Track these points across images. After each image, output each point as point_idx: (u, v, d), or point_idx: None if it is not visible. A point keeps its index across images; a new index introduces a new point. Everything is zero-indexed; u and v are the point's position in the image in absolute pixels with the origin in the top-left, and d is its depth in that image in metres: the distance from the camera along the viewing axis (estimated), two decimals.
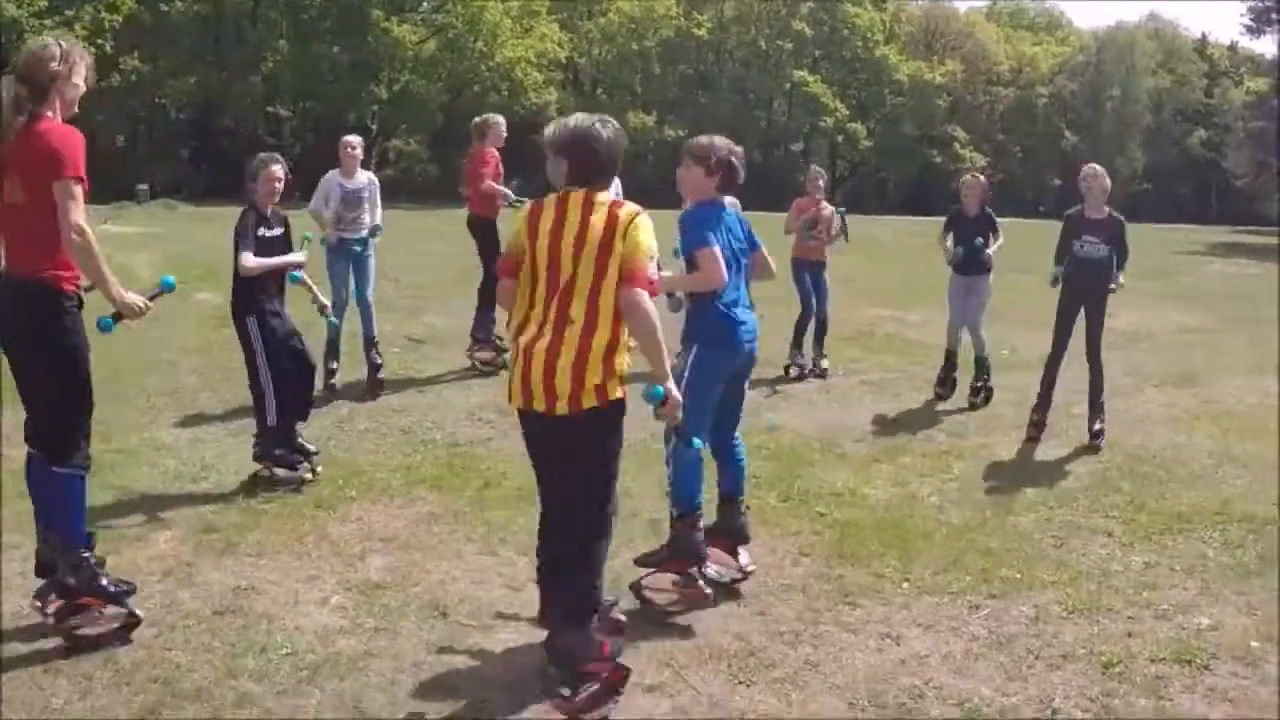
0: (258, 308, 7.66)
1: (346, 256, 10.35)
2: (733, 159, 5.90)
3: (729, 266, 5.73)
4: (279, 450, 7.68)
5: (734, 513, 6.18)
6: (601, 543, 4.84)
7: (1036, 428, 9.67)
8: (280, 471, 7.64)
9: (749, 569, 6.15)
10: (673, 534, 5.94)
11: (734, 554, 6.17)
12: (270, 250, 7.71)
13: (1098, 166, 9.68)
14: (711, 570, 5.98)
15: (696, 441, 5.52)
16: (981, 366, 10.94)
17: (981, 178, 11.35)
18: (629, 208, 4.73)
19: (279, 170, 7.76)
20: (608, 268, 4.61)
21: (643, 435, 8.68)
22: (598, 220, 4.64)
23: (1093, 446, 9.28)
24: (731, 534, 6.17)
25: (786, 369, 11.84)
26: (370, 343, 10.54)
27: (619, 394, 4.68)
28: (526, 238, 4.70)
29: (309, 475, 7.71)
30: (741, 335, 5.86)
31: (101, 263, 5.00)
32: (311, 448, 7.93)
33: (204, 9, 54.31)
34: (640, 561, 5.97)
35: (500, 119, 11.53)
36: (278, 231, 7.81)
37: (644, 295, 4.58)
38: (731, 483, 6.19)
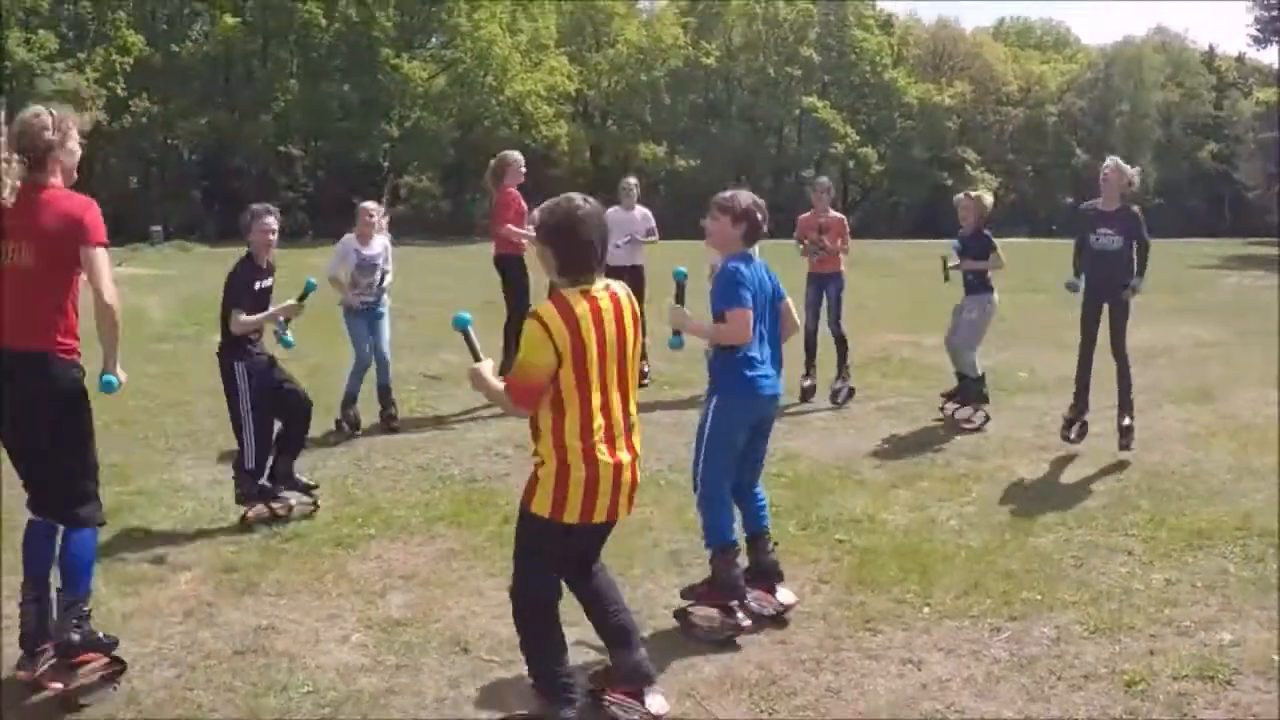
0: (245, 354, 7.75)
1: (364, 318, 10.53)
2: (755, 210, 6.03)
3: (759, 319, 5.92)
4: (256, 489, 7.73)
5: (763, 550, 6.26)
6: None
7: (1068, 425, 9.65)
8: (263, 508, 7.71)
9: (789, 603, 6.18)
10: (712, 570, 6.04)
11: (772, 591, 6.22)
12: (263, 302, 7.82)
13: (1118, 159, 9.65)
14: (753, 604, 6.07)
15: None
16: (961, 383, 10.95)
17: (982, 195, 11.26)
18: (628, 296, 4.74)
19: (272, 221, 7.82)
20: (637, 363, 4.78)
21: (660, 467, 8.74)
22: (629, 320, 4.66)
23: (1122, 446, 9.29)
24: (765, 572, 6.24)
25: (805, 394, 11.93)
26: (385, 391, 10.74)
27: None
28: (569, 346, 4.45)
29: (294, 504, 7.80)
30: (763, 387, 5.98)
31: (118, 330, 5.07)
32: (310, 482, 8.03)
33: (213, 50, 54.79)
34: (685, 593, 6.11)
35: (517, 156, 11.61)
36: (269, 282, 7.91)
37: None
38: (756, 523, 6.28)
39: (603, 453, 4.55)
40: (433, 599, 6.30)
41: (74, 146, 5.18)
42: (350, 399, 10.54)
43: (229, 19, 53.89)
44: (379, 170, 56.85)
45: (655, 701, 4.82)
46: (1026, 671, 5.41)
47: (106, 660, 5.28)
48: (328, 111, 55.47)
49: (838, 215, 12.12)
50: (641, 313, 4.93)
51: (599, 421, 4.55)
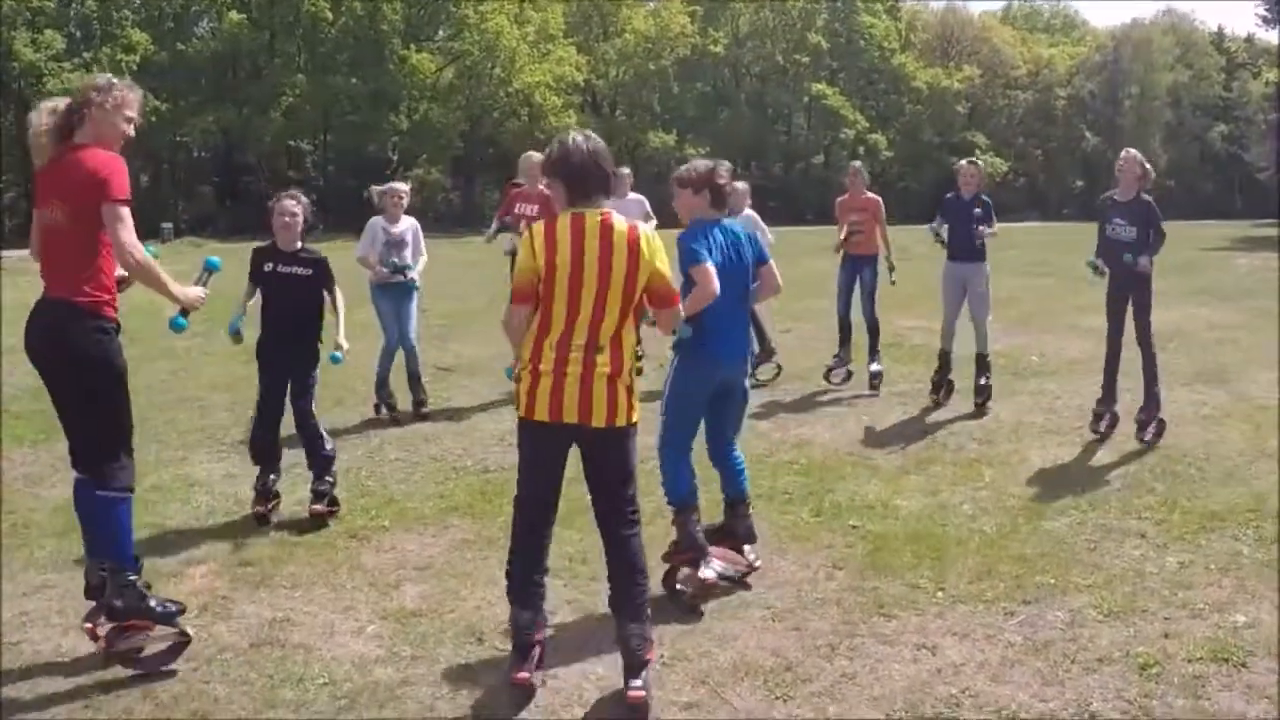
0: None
1: (391, 298, 10.63)
2: (713, 175, 6.12)
3: (727, 281, 5.95)
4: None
5: (739, 515, 6.47)
6: (638, 530, 5.15)
7: (1097, 419, 9.66)
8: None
9: (755, 564, 6.42)
10: (675, 529, 6.25)
11: (740, 552, 6.43)
12: (279, 286, 7.61)
13: (1134, 151, 9.65)
14: (717, 565, 6.23)
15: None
16: (982, 364, 10.93)
17: (980, 163, 11.38)
18: (643, 230, 4.89)
19: (289, 204, 7.63)
20: (634, 297, 4.88)
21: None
22: (620, 247, 4.81)
23: (1140, 439, 9.29)
24: (737, 535, 6.46)
25: (828, 373, 11.94)
26: (415, 379, 10.88)
27: (637, 415, 5.05)
28: (542, 261, 4.78)
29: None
30: (720, 351, 6.09)
31: (159, 273, 5.14)
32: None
33: (220, 46, 54.91)
34: (664, 558, 6.25)
35: (533, 156, 11.59)
36: (290, 270, 7.61)
37: (677, 307, 5.13)
38: (734, 488, 6.48)
39: (547, 359, 4.85)
40: (447, 590, 6.31)
41: (119, 118, 5.25)
42: (381, 382, 10.76)
43: (234, 15, 54.09)
44: (388, 163, 56.95)
45: (635, 682, 4.92)
46: (1041, 655, 5.40)
47: (175, 631, 5.37)
48: (336, 105, 55.60)
49: (874, 196, 12.09)
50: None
51: (556, 331, 4.84)
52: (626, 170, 13.06)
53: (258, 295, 7.70)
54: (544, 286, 4.80)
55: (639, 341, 5.74)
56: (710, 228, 6.07)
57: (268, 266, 7.63)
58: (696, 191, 6.10)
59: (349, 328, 7.95)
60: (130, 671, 5.25)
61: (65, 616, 5.76)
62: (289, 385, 7.62)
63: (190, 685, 5.16)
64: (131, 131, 5.35)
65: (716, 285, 5.79)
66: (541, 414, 4.88)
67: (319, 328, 7.72)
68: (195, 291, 5.46)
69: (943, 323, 11.13)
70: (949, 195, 11.14)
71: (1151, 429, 9.38)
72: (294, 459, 7.94)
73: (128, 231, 5.01)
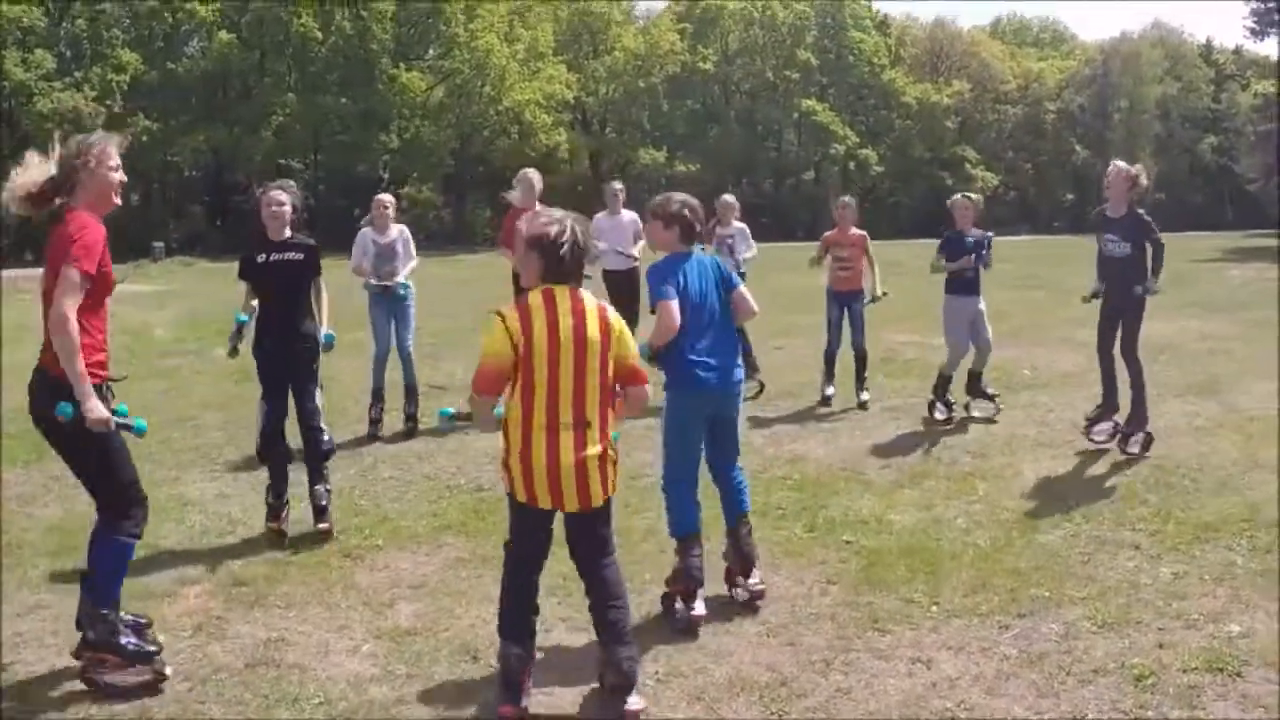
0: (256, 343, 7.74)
1: (385, 306, 10.69)
2: (685, 211, 6.24)
3: (698, 312, 6.09)
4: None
5: (741, 538, 6.42)
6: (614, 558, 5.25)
7: (1090, 422, 9.72)
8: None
9: (759, 588, 6.35)
10: (676, 557, 6.27)
11: (747, 575, 6.38)
12: (271, 275, 7.66)
13: (1119, 164, 9.61)
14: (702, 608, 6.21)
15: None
16: (980, 380, 11.07)
17: (973, 197, 11.40)
18: (613, 313, 5.06)
19: (276, 195, 7.71)
20: (607, 370, 4.94)
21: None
22: (593, 324, 4.90)
23: (1125, 451, 9.31)
24: (741, 557, 6.40)
25: (826, 400, 11.93)
26: (409, 390, 10.89)
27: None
28: (520, 341, 4.82)
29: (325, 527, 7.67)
30: (707, 379, 6.11)
31: (78, 360, 5.01)
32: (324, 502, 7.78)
33: (210, 66, 54.89)
34: (666, 582, 6.29)
35: (530, 174, 11.56)
36: (282, 257, 7.67)
37: (645, 388, 5.16)
38: (733, 508, 6.45)
39: (538, 443, 4.86)
40: (442, 608, 6.31)
41: (105, 171, 5.27)
42: (376, 394, 10.81)
43: (224, 35, 54.10)
44: (379, 182, 56.96)
45: (632, 699, 4.98)
46: (1036, 668, 5.41)
47: (149, 669, 5.39)
48: (326, 124, 55.66)
49: (861, 232, 12.07)
50: (636, 314, 5.08)
51: (540, 416, 4.85)
52: (619, 185, 13.03)
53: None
54: (523, 365, 4.83)
55: None
56: (680, 261, 6.16)
57: (260, 258, 7.69)
58: (666, 226, 6.23)
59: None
60: (121, 691, 5.27)
61: (59, 637, 5.75)
62: (291, 383, 7.71)
63: (186, 706, 5.16)
64: (122, 176, 5.37)
65: (676, 320, 5.94)
66: (544, 503, 4.94)
67: (315, 314, 7.83)
68: (102, 413, 5.08)
69: (952, 355, 11.04)
70: (949, 234, 11.03)
71: (1137, 440, 9.39)
72: (302, 475, 7.92)
73: (69, 298, 4.98)
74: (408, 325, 10.79)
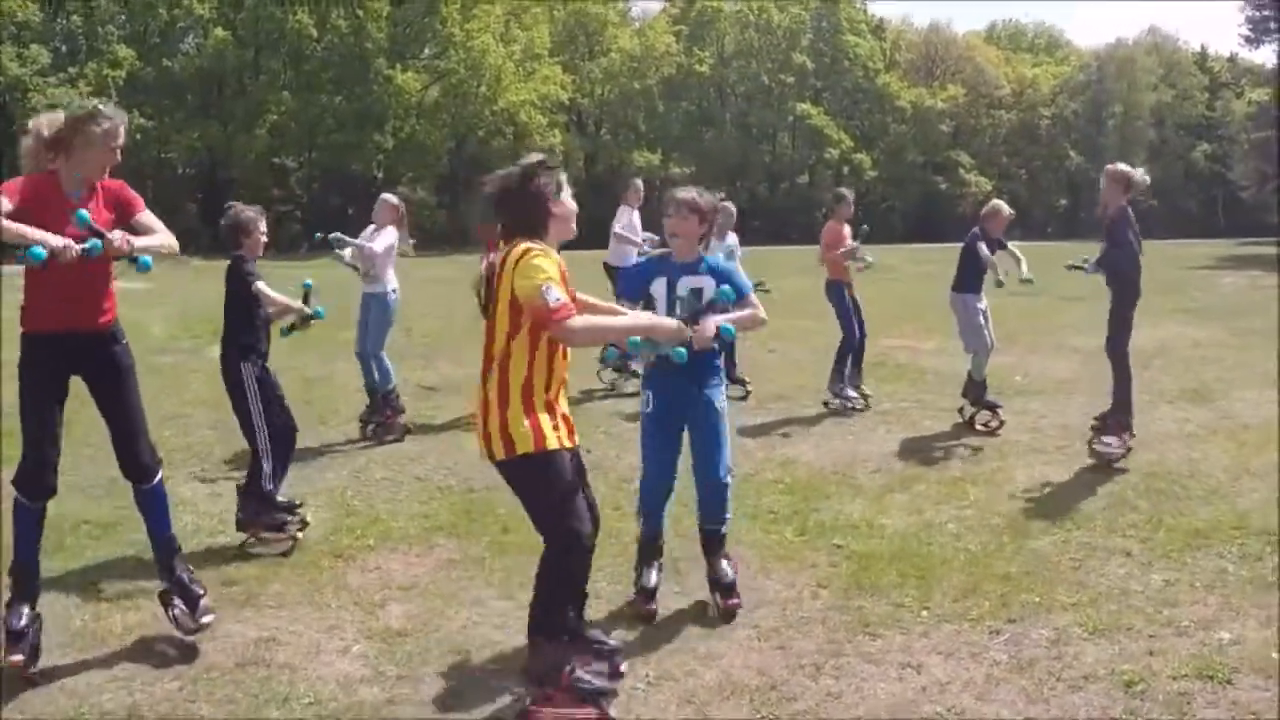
0: (254, 354, 7.63)
1: (361, 308, 10.74)
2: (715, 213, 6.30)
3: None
4: (262, 514, 7.43)
5: (714, 556, 6.36)
6: (552, 574, 4.96)
7: (1101, 420, 9.64)
8: (268, 534, 7.43)
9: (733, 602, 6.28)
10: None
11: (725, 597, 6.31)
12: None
13: (1109, 166, 9.57)
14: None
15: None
16: (977, 385, 11.06)
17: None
18: (514, 250, 4.81)
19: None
20: (506, 315, 4.84)
21: None
22: (503, 270, 4.84)
23: (1091, 445, 9.33)
24: (719, 583, 6.31)
25: (840, 401, 11.83)
26: (370, 393, 10.82)
27: (529, 447, 4.92)
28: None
29: (299, 534, 7.45)
30: (678, 382, 5.97)
31: (11, 225, 4.98)
32: (295, 502, 7.65)
33: (205, 63, 54.70)
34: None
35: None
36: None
37: (559, 326, 4.67)
38: (708, 518, 6.35)
39: (554, 389, 5.02)
40: (433, 609, 6.30)
41: (98, 144, 5.42)
42: (370, 391, 10.81)
43: (220, 32, 53.94)
44: (373, 181, 56.89)
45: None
46: (1026, 673, 5.41)
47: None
48: (321, 123, 55.52)
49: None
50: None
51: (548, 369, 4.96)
52: (639, 181, 13.29)
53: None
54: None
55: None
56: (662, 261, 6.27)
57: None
58: (702, 221, 6.09)
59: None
60: (126, 685, 5.26)
61: (49, 636, 5.72)
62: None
63: (176, 705, 5.15)
64: (117, 158, 5.41)
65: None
66: (566, 441, 4.97)
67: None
68: (66, 241, 5.04)
69: (979, 355, 10.93)
70: (983, 241, 10.90)
71: (1112, 442, 9.35)
72: (292, 475, 7.89)
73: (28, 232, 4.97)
74: (371, 328, 10.66)
